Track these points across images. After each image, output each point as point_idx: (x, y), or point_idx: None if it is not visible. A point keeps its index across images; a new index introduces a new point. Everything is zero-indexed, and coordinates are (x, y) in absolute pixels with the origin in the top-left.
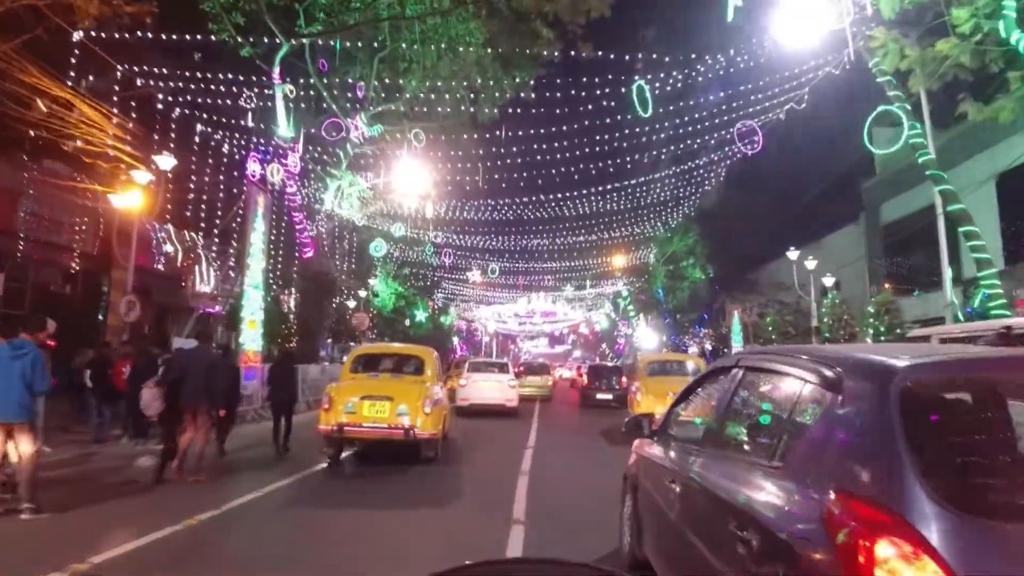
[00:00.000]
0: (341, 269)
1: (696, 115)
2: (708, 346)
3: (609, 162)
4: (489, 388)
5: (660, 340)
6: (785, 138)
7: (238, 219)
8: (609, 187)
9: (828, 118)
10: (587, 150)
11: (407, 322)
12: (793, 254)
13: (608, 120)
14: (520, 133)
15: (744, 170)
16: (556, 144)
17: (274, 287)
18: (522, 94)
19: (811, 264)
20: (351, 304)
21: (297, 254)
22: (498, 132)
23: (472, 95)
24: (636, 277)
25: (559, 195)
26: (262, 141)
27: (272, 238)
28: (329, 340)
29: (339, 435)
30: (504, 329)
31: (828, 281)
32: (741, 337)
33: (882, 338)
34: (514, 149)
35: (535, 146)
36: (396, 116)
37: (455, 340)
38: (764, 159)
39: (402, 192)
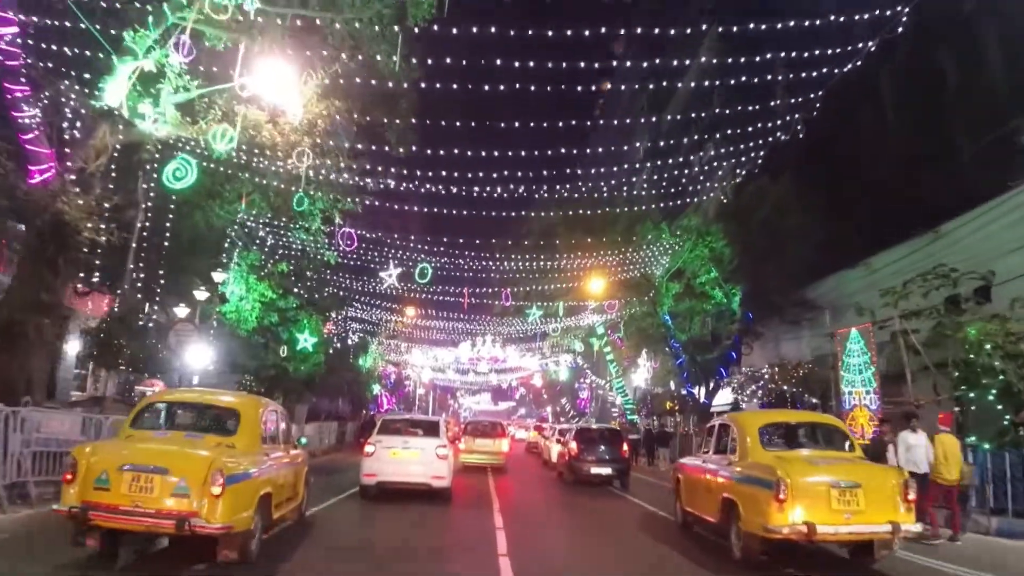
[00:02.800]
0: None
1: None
2: (733, 397)
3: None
4: (407, 459)
5: (647, 389)
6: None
7: None
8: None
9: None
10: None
11: (283, 350)
12: None
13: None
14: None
15: (797, 148)
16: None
17: None
18: None
19: None
20: (180, 312)
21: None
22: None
23: None
24: (634, 297)
25: (524, 161)
26: None
27: None
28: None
29: (83, 522)
30: (443, 380)
31: None
32: (870, 374)
33: None
34: (462, 64)
35: (497, 66)
36: None
37: (376, 390)
38: (835, 127)
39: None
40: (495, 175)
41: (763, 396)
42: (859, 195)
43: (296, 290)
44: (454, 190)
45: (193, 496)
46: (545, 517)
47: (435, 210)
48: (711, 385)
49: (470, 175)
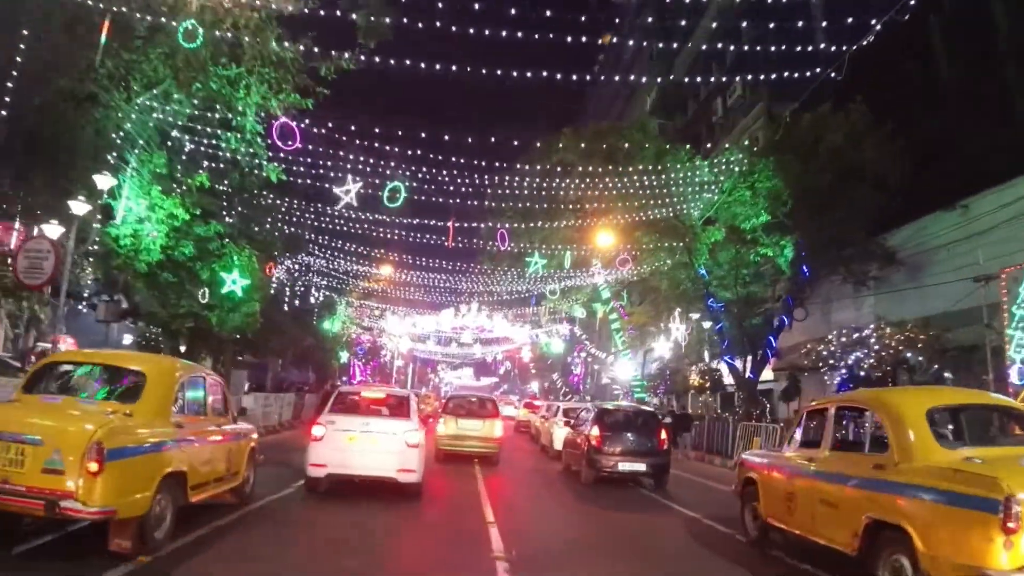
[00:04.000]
0: None
1: None
2: (788, 372)
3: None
4: (367, 446)
5: (666, 362)
6: None
7: None
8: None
9: None
10: None
11: (203, 294)
12: None
13: None
14: None
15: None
16: None
17: None
18: None
19: None
20: (50, 230)
21: None
22: None
23: None
24: (665, 242)
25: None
26: None
27: None
28: None
29: None
30: (423, 352)
31: None
32: None
33: None
34: None
35: None
36: None
37: (343, 357)
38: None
39: None
40: (493, 75)
41: (870, 366)
42: (948, 126)
43: (227, 218)
44: (441, 96)
45: (68, 473)
46: (574, 550)
47: (415, 113)
48: (758, 356)
49: (461, 75)
